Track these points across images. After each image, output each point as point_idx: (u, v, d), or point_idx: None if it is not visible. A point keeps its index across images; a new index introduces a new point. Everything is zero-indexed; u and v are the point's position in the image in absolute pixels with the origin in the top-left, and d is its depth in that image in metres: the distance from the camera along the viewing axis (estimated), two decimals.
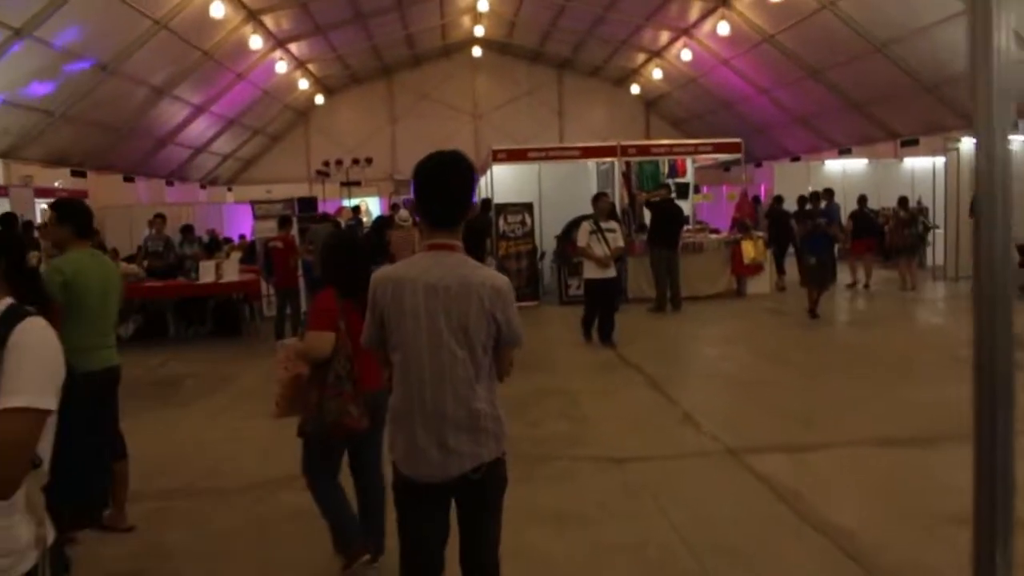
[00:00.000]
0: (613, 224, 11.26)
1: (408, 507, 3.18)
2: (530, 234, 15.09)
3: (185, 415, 8.29)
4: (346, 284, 4.37)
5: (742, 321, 12.94)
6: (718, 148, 16.28)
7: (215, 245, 13.14)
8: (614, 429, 7.43)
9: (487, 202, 15.60)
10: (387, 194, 29.76)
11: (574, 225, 14.93)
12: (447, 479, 3.05)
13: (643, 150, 16.18)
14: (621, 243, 11.15)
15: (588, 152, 15.98)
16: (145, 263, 13.47)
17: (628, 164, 16.05)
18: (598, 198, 11.41)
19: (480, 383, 3.07)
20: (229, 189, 29.40)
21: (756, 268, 14.98)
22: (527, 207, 15.12)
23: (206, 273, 12.25)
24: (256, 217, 14.02)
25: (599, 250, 10.86)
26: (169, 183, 25.21)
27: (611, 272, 11.05)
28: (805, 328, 12.20)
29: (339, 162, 26.46)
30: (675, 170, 17.04)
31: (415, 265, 3.11)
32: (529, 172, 16.47)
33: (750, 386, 8.81)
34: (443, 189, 3.08)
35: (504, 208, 14.98)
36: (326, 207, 24.77)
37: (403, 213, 13.90)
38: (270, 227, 12.26)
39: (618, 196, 15.71)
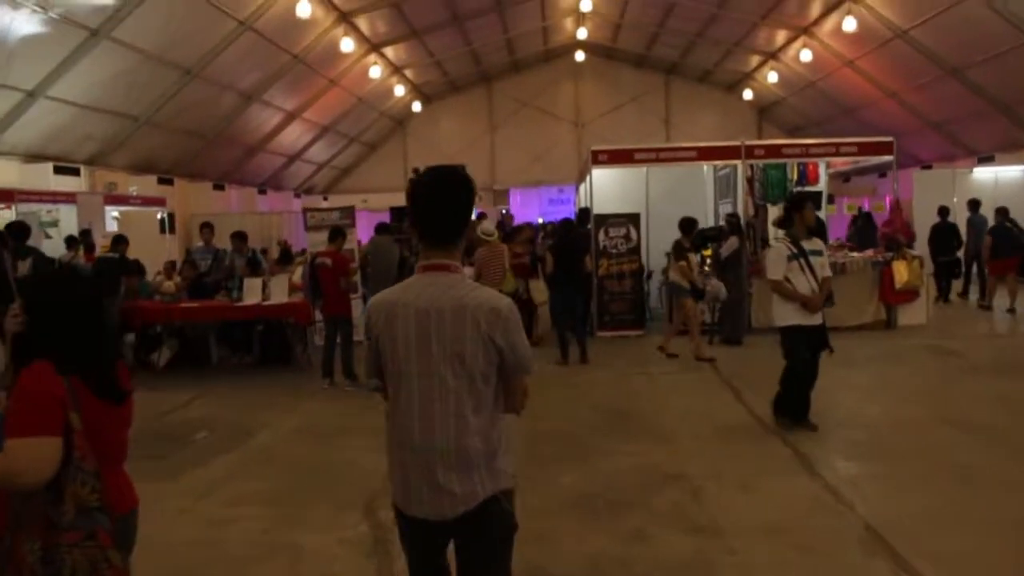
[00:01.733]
0: (818, 243, 7.21)
1: (408, 546, 2.87)
2: (635, 250, 12.29)
3: (166, 494, 5.92)
4: (72, 350, 2.58)
5: (902, 365, 9.80)
6: (864, 149, 12.94)
7: (255, 262, 10.80)
8: (762, 554, 4.69)
9: (584, 213, 12.93)
10: (486, 204, 27.49)
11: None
12: (443, 519, 2.67)
13: (772, 151, 13.06)
14: (828, 271, 7.09)
15: (706, 153, 12.92)
16: (176, 280, 11.40)
17: (753, 168, 13.09)
18: (801, 203, 7.07)
19: (479, 415, 2.67)
20: (325, 198, 27.55)
21: (910, 294, 11.82)
22: (632, 219, 12.33)
23: (251, 292, 10.02)
24: (307, 228, 11.61)
25: (804, 285, 6.82)
26: (262, 191, 23.47)
27: (818, 318, 6.91)
28: (982, 374, 9.11)
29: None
30: (805, 177, 13.96)
31: (409, 288, 2.73)
32: (635, 178, 13.65)
33: (951, 474, 5.84)
34: (438, 205, 2.71)
35: (605, 220, 12.27)
36: None
37: (487, 225, 11.43)
38: (323, 240, 9.81)
39: (742, 207, 12.81)
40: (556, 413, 8.05)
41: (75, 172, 16.45)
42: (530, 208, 28.28)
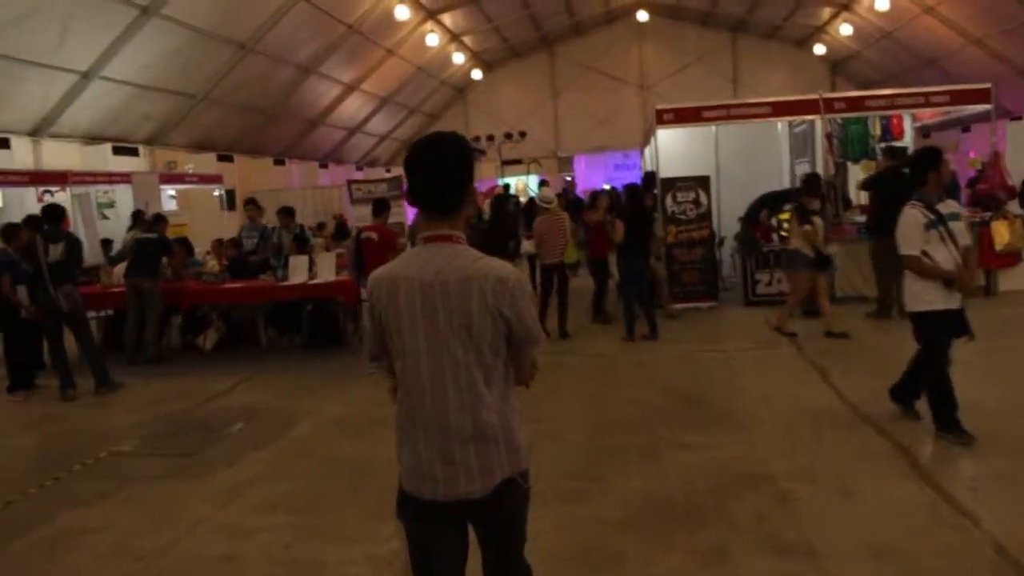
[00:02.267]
0: (955, 206, 5.72)
1: (416, 530, 2.61)
2: (706, 216, 11.13)
3: (189, 498, 5.31)
4: None
5: (1011, 337, 8.43)
6: (957, 97, 11.36)
7: (302, 238, 10.14)
8: None
9: (650, 177, 11.86)
10: (551, 172, 26.56)
11: (764, 203, 11.09)
12: (456, 498, 2.49)
13: (854, 104, 11.60)
14: (968, 239, 5.65)
15: (781, 108, 11.48)
16: (222, 261, 10.76)
17: (831, 124, 11.84)
18: (937, 158, 5.60)
19: (491, 388, 2.50)
20: (388, 170, 27.00)
21: (1012, 257, 10.52)
22: (701, 182, 11.15)
23: (297, 271, 9.31)
24: (353, 201, 10.88)
25: (946, 258, 5.44)
26: (323, 165, 22.98)
27: (956, 300, 5.51)
28: None
29: (490, 137, 23.29)
30: (888, 131, 12.63)
31: (411, 261, 2.54)
32: (703, 139, 12.50)
33: None
34: (435, 173, 2.48)
35: (672, 184, 11.13)
36: (481, 187, 21.88)
37: (546, 192, 10.58)
38: (369, 214, 9.04)
39: (821, 166, 11.58)
40: (622, 397, 7.22)
41: (134, 152, 16.15)
42: (595, 174, 27.19)
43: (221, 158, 18.45)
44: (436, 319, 2.46)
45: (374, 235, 8.43)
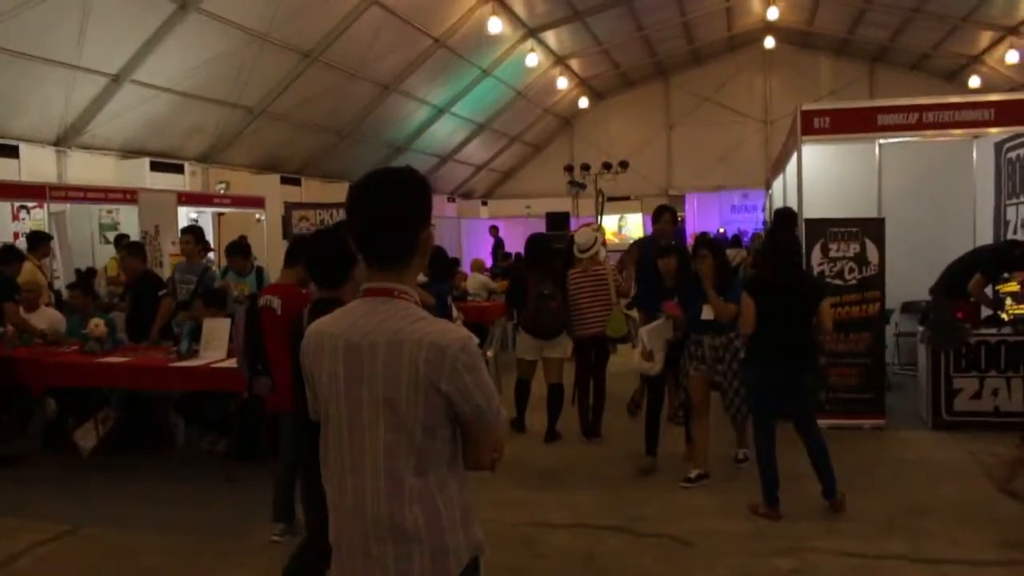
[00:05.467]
0: None
1: None
2: (876, 282, 6.59)
3: None
4: None
5: None
6: None
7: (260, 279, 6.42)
8: None
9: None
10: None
11: (975, 265, 6.64)
12: None
13: None
14: None
15: (1009, 113, 6.55)
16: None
17: None
18: None
19: (423, 477, 1.85)
20: (484, 203, 23.46)
21: None
22: (870, 226, 6.69)
23: (212, 342, 5.44)
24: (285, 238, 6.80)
25: None
26: None
27: None
28: None
29: (586, 167, 19.22)
30: None
31: (345, 316, 1.95)
32: (859, 164, 8.01)
33: None
34: (377, 215, 1.88)
35: (822, 228, 6.69)
36: (578, 223, 17.87)
37: (584, 236, 6.62)
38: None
39: None
40: None
41: (177, 169, 13.13)
42: (709, 216, 22.75)
43: (285, 180, 15.29)
44: (359, 388, 1.86)
45: (276, 301, 4.39)
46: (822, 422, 6.08)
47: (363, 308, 1.91)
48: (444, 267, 6.92)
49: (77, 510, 5.15)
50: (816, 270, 6.54)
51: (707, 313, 5.32)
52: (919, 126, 6.65)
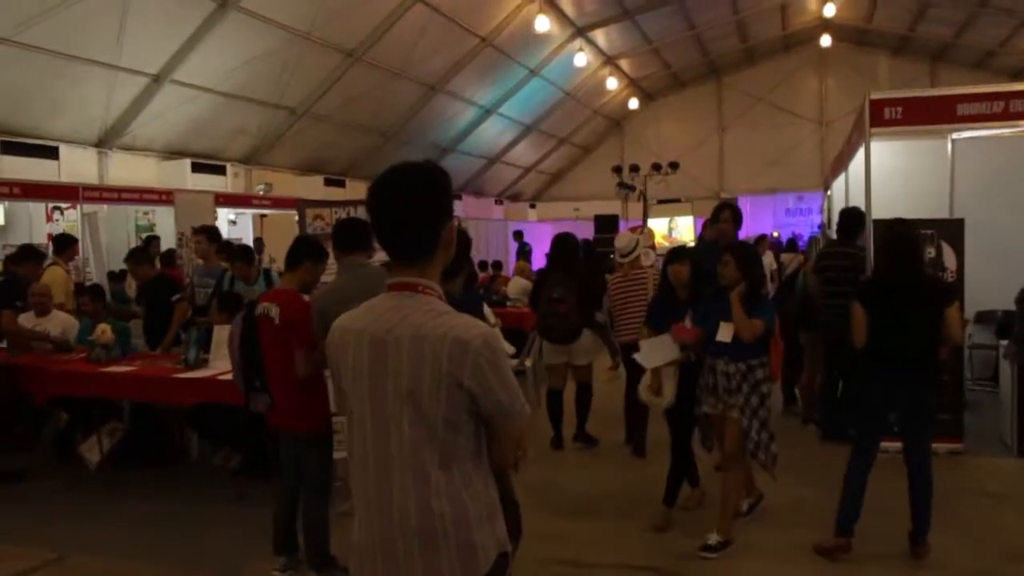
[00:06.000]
0: None
1: None
2: (954, 290, 5.50)
3: None
4: None
5: None
6: None
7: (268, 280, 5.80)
8: None
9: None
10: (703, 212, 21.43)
11: None
12: None
13: None
14: None
15: None
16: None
17: None
18: None
19: (448, 472, 1.80)
20: (532, 206, 22.86)
21: None
22: (948, 228, 5.99)
23: (220, 350, 4.94)
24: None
25: None
26: (456, 197, 19.09)
27: None
28: None
29: (635, 168, 18.44)
30: None
31: (369, 311, 1.92)
32: (929, 162, 7.07)
33: None
34: (400, 213, 1.86)
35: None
36: (626, 226, 17.18)
37: (623, 240, 6.05)
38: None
39: None
40: None
41: (219, 171, 12.86)
42: (763, 219, 21.75)
43: (329, 182, 14.94)
44: (384, 383, 1.83)
45: (274, 309, 3.82)
46: (890, 445, 5.34)
47: (388, 303, 1.88)
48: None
49: (69, 535, 4.70)
50: None
51: (723, 333, 4.30)
52: (1004, 116, 5.77)
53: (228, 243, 6.34)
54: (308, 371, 3.71)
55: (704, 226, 6.96)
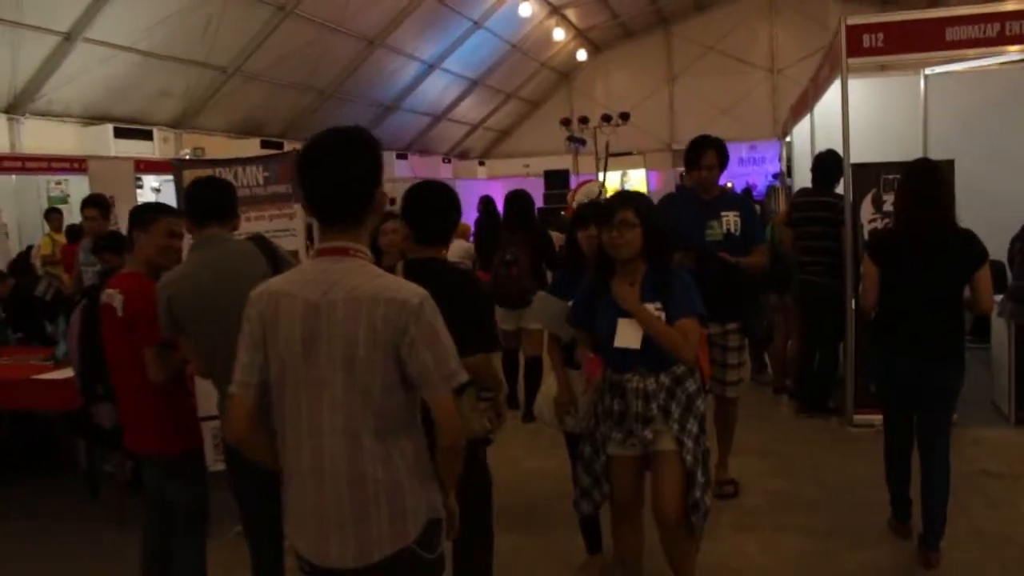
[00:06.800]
0: None
1: None
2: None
3: None
4: None
5: None
6: None
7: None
8: None
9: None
10: (662, 167, 20.98)
11: None
12: (328, 566, 1.80)
13: None
14: None
15: None
16: None
17: None
18: None
19: (382, 439, 1.78)
20: (481, 163, 22.11)
21: None
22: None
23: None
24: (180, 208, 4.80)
25: None
26: (401, 156, 18.23)
27: None
28: None
29: (584, 120, 17.84)
30: None
31: (299, 275, 1.91)
32: (900, 101, 6.84)
33: None
34: (336, 177, 1.83)
35: (874, 175, 5.26)
36: (577, 181, 16.57)
37: (588, 193, 5.73)
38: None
39: None
40: None
41: (145, 135, 11.87)
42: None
43: (266, 144, 14.01)
44: (317, 347, 1.78)
45: (118, 298, 2.97)
46: (867, 417, 4.95)
47: (319, 267, 1.85)
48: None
49: None
50: (867, 227, 5.29)
51: (627, 337, 2.87)
52: (1000, 41, 5.16)
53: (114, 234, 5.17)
54: (160, 377, 2.91)
55: (681, 176, 6.36)
